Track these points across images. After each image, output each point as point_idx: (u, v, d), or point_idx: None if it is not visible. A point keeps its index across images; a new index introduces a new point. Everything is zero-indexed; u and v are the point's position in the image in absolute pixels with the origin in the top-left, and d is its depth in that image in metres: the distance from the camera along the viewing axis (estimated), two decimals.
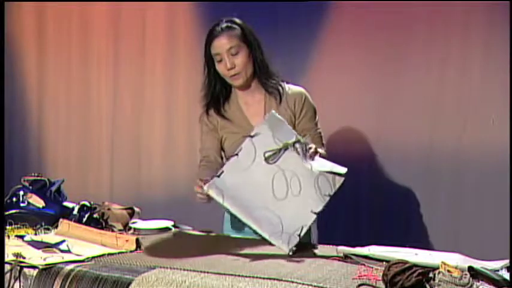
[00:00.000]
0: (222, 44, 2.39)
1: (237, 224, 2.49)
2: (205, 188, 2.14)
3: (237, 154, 2.19)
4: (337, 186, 2.19)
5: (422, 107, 3.16)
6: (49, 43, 4.23)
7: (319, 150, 2.27)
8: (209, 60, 2.46)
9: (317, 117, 2.52)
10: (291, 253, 2.07)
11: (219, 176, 2.17)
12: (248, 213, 2.15)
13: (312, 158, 2.20)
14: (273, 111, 2.29)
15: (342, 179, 2.20)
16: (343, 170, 2.20)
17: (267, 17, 3.35)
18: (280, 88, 2.48)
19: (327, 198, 2.17)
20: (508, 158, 2.88)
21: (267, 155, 2.19)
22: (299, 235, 2.12)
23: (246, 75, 2.43)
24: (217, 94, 2.51)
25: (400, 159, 3.20)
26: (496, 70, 2.99)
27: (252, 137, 2.20)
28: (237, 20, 2.44)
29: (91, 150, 4.15)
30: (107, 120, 4.08)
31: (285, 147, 2.20)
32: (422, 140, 3.16)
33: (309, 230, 2.49)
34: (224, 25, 2.42)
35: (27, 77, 4.32)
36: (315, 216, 2.16)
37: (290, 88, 2.50)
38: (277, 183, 2.18)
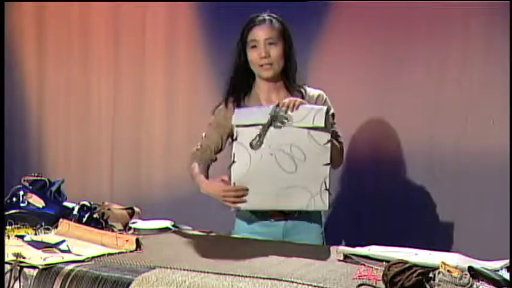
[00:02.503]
0: (261, 33, 2.43)
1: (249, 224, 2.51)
2: (237, 207, 2.35)
3: (234, 161, 2.32)
4: (329, 131, 2.28)
5: (422, 107, 3.16)
6: (49, 43, 4.23)
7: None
8: (242, 47, 2.47)
9: (335, 118, 2.54)
10: (331, 208, 2.24)
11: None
12: (275, 202, 2.28)
13: (292, 110, 2.29)
14: (235, 111, 2.38)
15: (323, 124, 2.25)
16: (321, 120, 2.26)
17: None
18: (302, 90, 2.51)
19: (329, 146, 2.26)
20: (508, 158, 2.88)
21: (253, 143, 2.28)
22: (327, 189, 2.23)
23: (278, 68, 2.46)
24: (241, 84, 2.52)
25: (400, 159, 3.19)
26: (496, 70, 2.98)
27: (235, 140, 2.33)
28: (279, 17, 2.48)
29: (91, 150, 4.15)
30: (107, 121, 4.08)
31: (267, 125, 2.28)
32: (422, 140, 3.15)
33: (322, 234, 2.52)
34: (267, 17, 2.46)
35: (27, 77, 4.32)
36: (329, 166, 2.25)
37: (311, 91, 2.54)
38: (281, 161, 2.26)
